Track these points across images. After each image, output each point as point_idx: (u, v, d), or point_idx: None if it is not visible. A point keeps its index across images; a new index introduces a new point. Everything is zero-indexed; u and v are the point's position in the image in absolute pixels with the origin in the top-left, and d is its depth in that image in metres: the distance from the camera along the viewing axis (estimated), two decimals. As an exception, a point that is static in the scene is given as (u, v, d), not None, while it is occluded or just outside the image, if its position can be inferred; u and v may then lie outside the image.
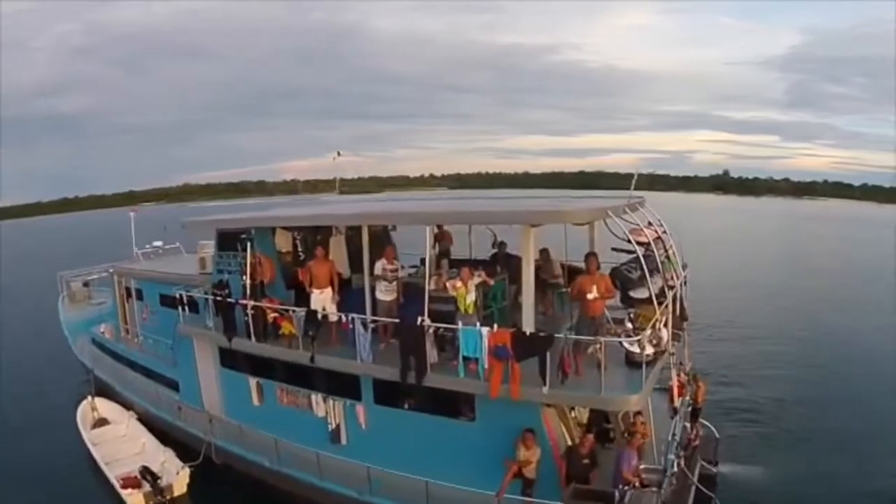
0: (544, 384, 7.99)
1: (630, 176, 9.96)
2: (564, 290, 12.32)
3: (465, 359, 8.60)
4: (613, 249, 9.59)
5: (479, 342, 8.25)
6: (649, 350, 8.51)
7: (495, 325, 8.38)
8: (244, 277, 11.23)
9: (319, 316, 10.33)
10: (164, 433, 14.46)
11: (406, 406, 9.98)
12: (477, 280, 9.17)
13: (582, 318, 8.68)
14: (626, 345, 8.26)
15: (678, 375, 10.36)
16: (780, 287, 33.89)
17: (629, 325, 8.59)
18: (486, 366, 8.31)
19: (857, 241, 58.95)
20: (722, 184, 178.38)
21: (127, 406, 15.98)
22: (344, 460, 10.50)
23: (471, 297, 9.02)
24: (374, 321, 9.81)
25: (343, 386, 10.55)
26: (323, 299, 10.60)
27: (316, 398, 11.03)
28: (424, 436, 9.79)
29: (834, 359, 20.80)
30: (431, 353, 8.90)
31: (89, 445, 14.17)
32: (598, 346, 7.89)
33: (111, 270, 17.90)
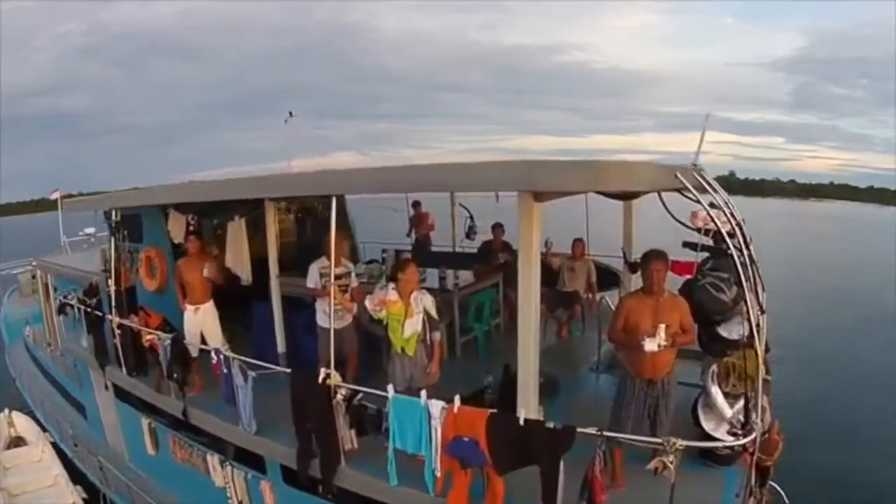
0: (551, 519, 3.73)
1: None
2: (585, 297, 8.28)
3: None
4: (685, 245, 5.16)
5: (425, 429, 3.99)
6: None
7: (457, 399, 4.02)
8: (109, 281, 7.10)
9: (194, 349, 6.09)
10: (69, 468, 10.78)
11: (328, 495, 5.82)
12: (426, 300, 4.92)
13: (628, 383, 4.23)
14: (720, 435, 3.97)
15: None
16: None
17: (716, 393, 4.20)
18: (437, 472, 4.07)
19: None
20: (728, 185, 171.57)
21: (43, 427, 12.35)
22: None
23: (413, 327, 4.78)
24: (259, 366, 5.47)
25: (243, 451, 6.45)
26: (200, 321, 6.43)
27: (212, 460, 6.95)
28: None
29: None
30: (347, 433, 4.62)
31: None
32: (669, 450, 3.54)
33: (34, 264, 14.07)
